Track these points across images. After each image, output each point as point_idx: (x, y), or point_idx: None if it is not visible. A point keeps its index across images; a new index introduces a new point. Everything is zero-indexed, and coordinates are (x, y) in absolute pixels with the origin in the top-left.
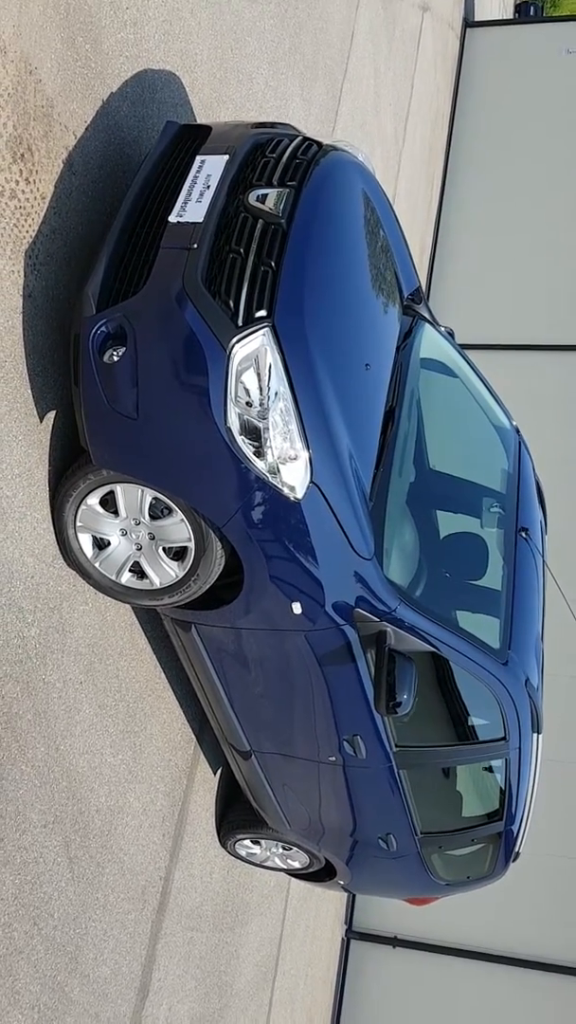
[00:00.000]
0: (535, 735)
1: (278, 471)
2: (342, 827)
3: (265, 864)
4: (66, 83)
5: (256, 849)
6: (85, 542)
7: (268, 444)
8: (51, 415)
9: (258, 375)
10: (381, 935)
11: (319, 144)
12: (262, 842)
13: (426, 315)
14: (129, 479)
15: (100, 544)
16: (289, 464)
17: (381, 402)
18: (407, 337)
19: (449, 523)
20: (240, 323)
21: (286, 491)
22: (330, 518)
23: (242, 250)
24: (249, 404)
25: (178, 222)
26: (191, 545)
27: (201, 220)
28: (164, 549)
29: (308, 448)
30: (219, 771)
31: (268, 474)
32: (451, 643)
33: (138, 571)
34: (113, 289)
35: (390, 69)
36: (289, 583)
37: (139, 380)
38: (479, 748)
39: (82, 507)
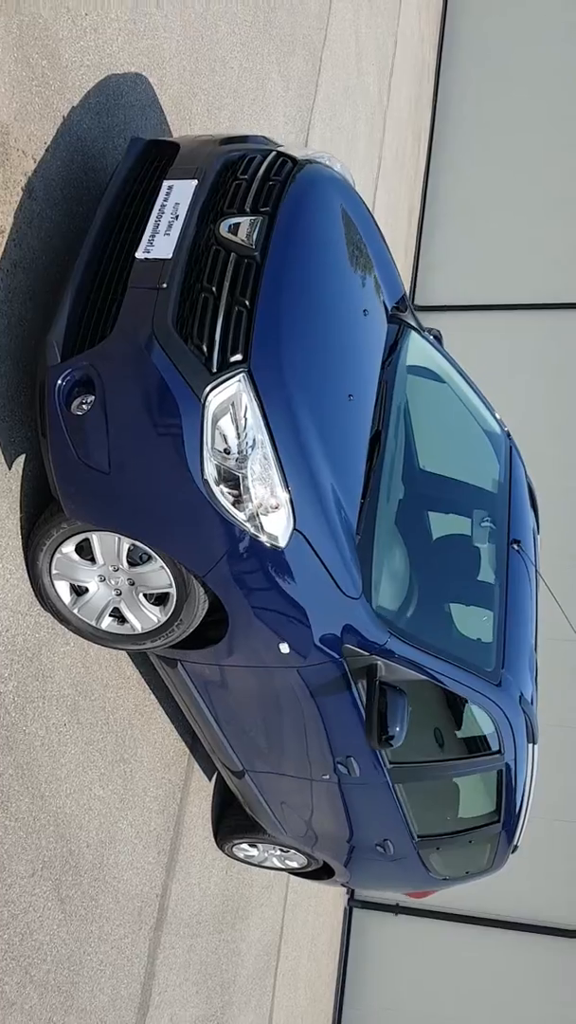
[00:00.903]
0: (531, 745)
1: (259, 521)
2: (339, 836)
3: (264, 864)
4: (22, 106)
5: (254, 852)
6: (62, 589)
7: (248, 494)
8: (20, 459)
9: (235, 422)
10: (383, 903)
11: (293, 160)
12: (259, 845)
13: (412, 322)
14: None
15: (78, 591)
16: (271, 514)
17: (366, 430)
18: (393, 350)
19: (440, 539)
20: (215, 369)
21: (268, 541)
22: (315, 562)
23: (214, 288)
24: (227, 451)
25: (145, 259)
26: (172, 591)
27: (170, 256)
28: (145, 595)
29: (290, 495)
30: (214, 776)
31: (249, 525)
32: (443, 671)
33: (119, 615)
34: (79, 335)
35: (372, 28)
36: (275, 626)
37: (110, 432)
38: (474, 762)
39: (57, 555)
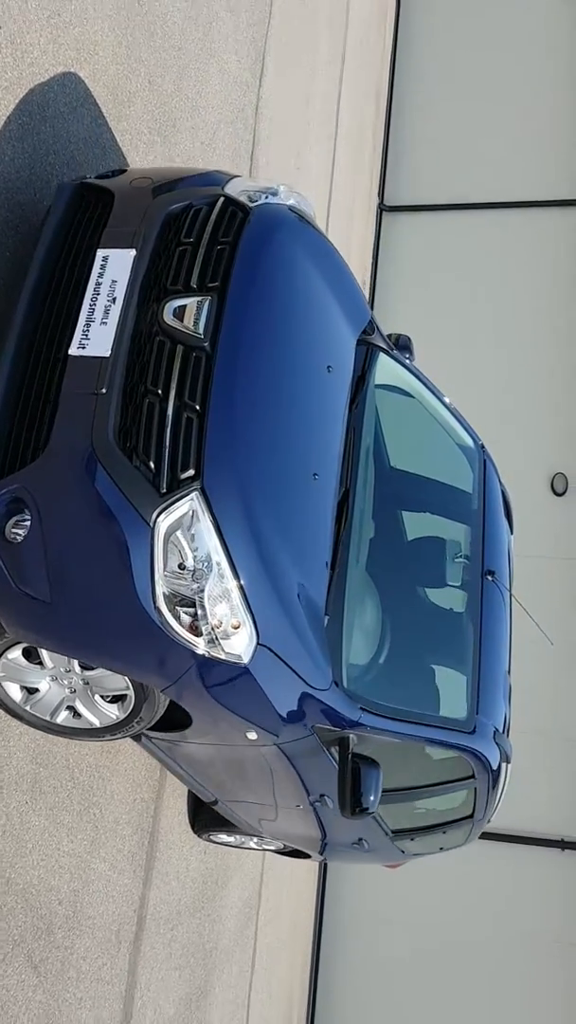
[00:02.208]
0: (504, 764)
1: (219, 644)
2: (314, 838)
3: (242, 847)
4: None
5: (231, 839)
6: (12, 690)
7: (205, 617)
8: None
9: (189, 540)
10: None
11: (243, 208)
12: (236, 835)
13: (381, 343)
14: None
15: (29, 689)
16: (232, 636)
17: (332, 502)
18: (362, 381)
19: (413, 582)
20: (163, 489)
21: (231, 659)
22: (282, 667)
23: (160, 391)
24: (181, 566)
25: (80, 356)
26: (130, 693)
27: (108, 354)
28: (101, 695)
29: (251, 613)
30: None
31: (208, 649)
32: (415, 732)
33: (75, 710)
34: (8, 447)
35: None
36: (241, 720)
37: (49, 561)
38: (448, 786)
39: (2, 661)
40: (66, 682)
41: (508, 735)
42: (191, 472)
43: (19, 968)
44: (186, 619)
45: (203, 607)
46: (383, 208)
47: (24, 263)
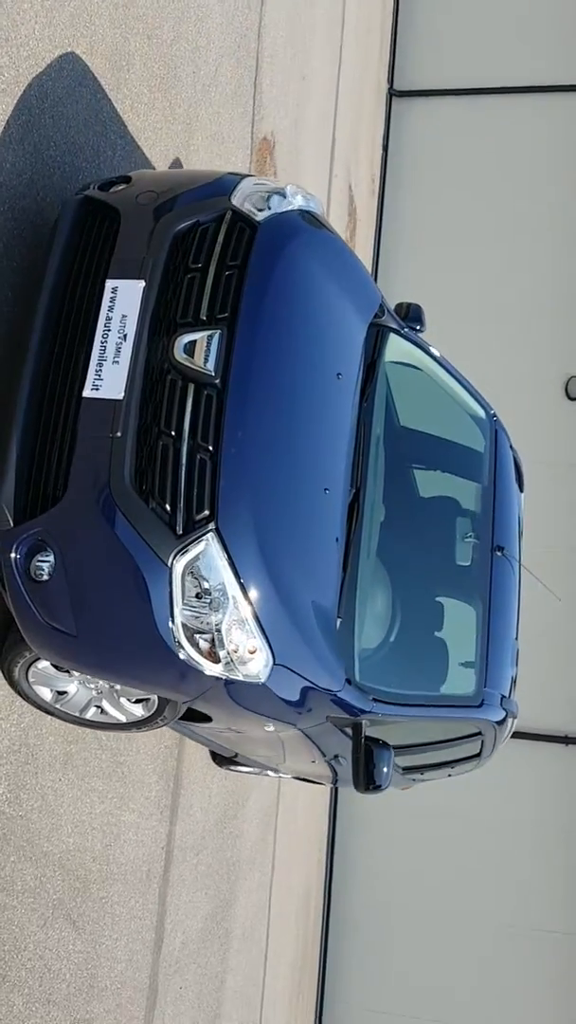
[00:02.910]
0: (510, 719)
1: (236, 669)
2: (328, 776)
3: (262, 774)
4: None
5: (252, 769)
6: (44, 692)
7: (222, 644)
8: None
9: (206, 574)
10: None
11: (250, 224)
12: (256, 767)
13: (392, 324)
14: None
15: (59, 692)
16: (248, 660)
17: (343, 510)
18: (371, 370)
19: (425, 566)
20: (180, 531)
21: (249, 680)
22: (297, 679)
23: (174, 432)
24: (199, 596)
25: (94, 398)
26: (153, 697)
27: (122, 396)
28: (126, 698)
29: (266, 638)
30: None
31: (226, 671)
32: (425, 714)
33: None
34: (28, 493)
35: None
36: (260, 718)
37: (73, 599)
38: (456, 742)
39: (32, 670)
40: (92, 686)
41: (514, 692)
42: (206, 513)
43: (59, 928)
44: (204, 646)
45: (220, 635)
46: (393, 94)
47: (32, 272)
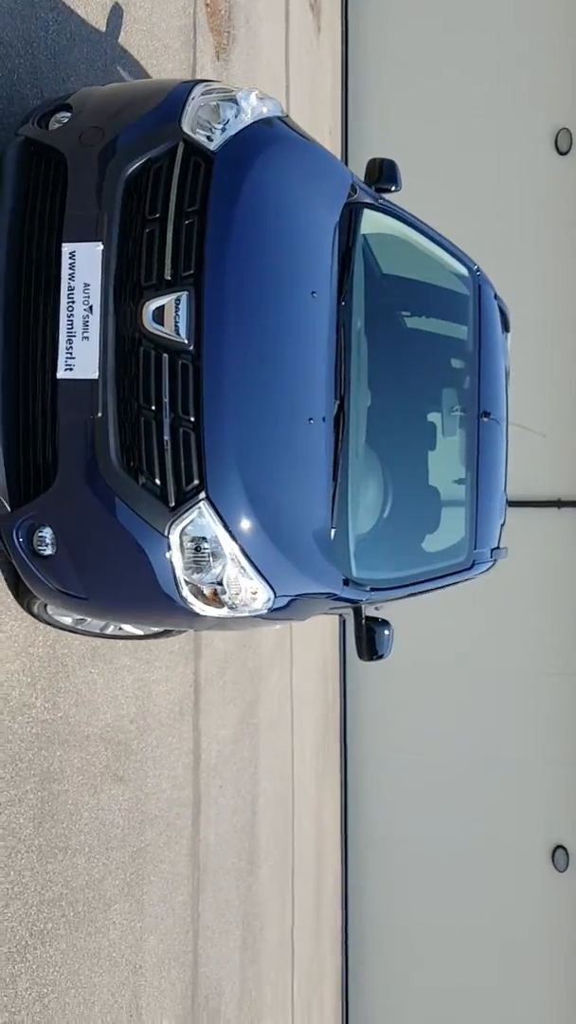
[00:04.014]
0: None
1: (240, 609)
2: None
3: None
4: None
5: None
6: (64, 620)
7: (225, 591)
8: None
9: (203, 536)
10: None
11: (205, 158)
12: None
13: (365, 198)
14: None
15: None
16: (250, 601)
17: (330, 431)
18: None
19: (412, 446)
20: (172, 504)
21: (253, 614)
22: (299, 599)
23: (154, 407)
24: (197, 551)
25: (69, 379)
26: None
27: (96, 375)
28: None
29: (266, 580)
30: None
31: (231, 613)
32: (422, 587)
33: None
34: (19, 478)
35: None
36: (269, 622)
37: (79, 569)
38: (447, 578)
39: (50, 607)
40: None
41: (502, 536)
42: (195, 482)
43: (109, 788)
44: (208, 593)
45: (222, 586)
46: None
47: None
